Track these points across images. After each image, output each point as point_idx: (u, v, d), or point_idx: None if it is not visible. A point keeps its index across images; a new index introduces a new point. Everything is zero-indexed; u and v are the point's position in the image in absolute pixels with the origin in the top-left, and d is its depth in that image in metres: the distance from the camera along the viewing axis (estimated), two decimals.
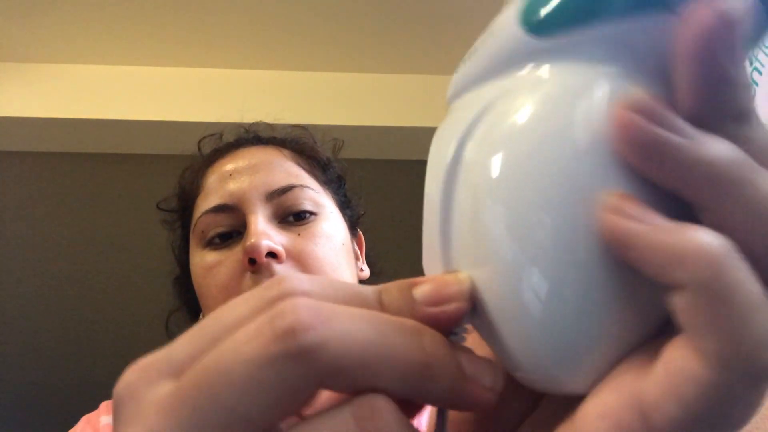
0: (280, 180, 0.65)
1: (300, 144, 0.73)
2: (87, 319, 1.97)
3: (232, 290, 0.60)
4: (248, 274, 0.60)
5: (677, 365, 0.15)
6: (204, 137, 0.78)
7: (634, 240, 0.16)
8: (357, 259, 0.73)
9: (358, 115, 1.49)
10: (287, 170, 0.67)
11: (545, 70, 0.18)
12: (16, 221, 1.73)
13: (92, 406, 0.71)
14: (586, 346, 0.17)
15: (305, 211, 0.64)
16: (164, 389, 0.16)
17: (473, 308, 0.18)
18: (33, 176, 1.63)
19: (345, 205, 0.73)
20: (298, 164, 0.69)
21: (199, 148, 0.77)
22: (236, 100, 1.43)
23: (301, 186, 0.65)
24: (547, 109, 0.17)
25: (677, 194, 0.16)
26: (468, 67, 0.20)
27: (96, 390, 2.16)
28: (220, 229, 0.64)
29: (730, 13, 0.15)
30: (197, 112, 1.45)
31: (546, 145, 0.17)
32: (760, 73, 0.69)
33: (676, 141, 0.16)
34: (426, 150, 0.22)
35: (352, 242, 0.71)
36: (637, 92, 0.16)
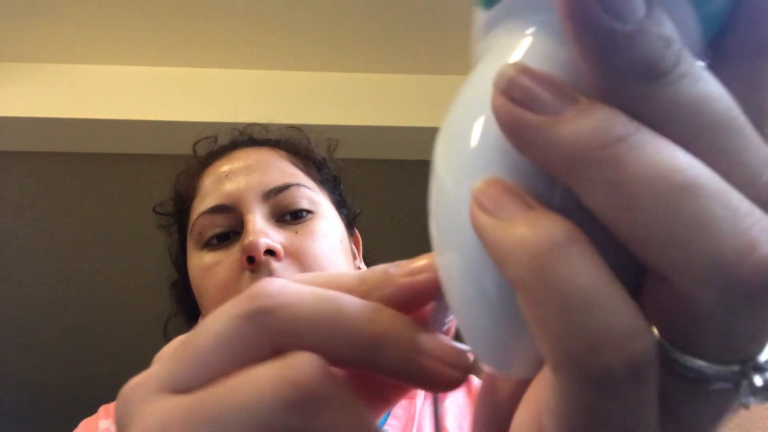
0: (276, 179, 0.65)
1: (295, 144, 0.74)
2: (87, 319, 1.97)
3: (231, 289, 0.60)
4: (247, 273, 0.59)
5: (545, 373, 0.15)
6: (198, 140, 0.79)
7: (483, 234, 0.15)
8: (354, 257, 0.73)
9: (356, 115, 1.49)
10: (283, 170, 0.67)
11: (487, 43, 0.18)
12: (16, 221, 1.73)
13: (91, 406, 0.71)
14: (505, 331, 0.16)
15: (302, 210, 0.64)
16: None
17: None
18: (33, 176, 1.63)
19: (341, 204, 0.73)
20: (294, 164, 0.69)
21: (194, 151, 0.77)
22: (236, 101, 1.43)
23: (298, 185, 0.65)
24: (466, 88, 0.17)
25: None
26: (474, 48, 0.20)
27: (95, 390, 2.15)
28: (217, 230, 0.64)
29: None
30: (197, 112, 1.45)
31: (455, 129, 0.17)
32: None
33: (532, 120, 0.14)
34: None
35: (349, 241, 0.71)
36: (511, 64, 0.15)
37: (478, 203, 0.15)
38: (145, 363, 0.20)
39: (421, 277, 0.19)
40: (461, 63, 1.50)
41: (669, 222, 0.13)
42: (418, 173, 1.61)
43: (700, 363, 0.14)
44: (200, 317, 0.70)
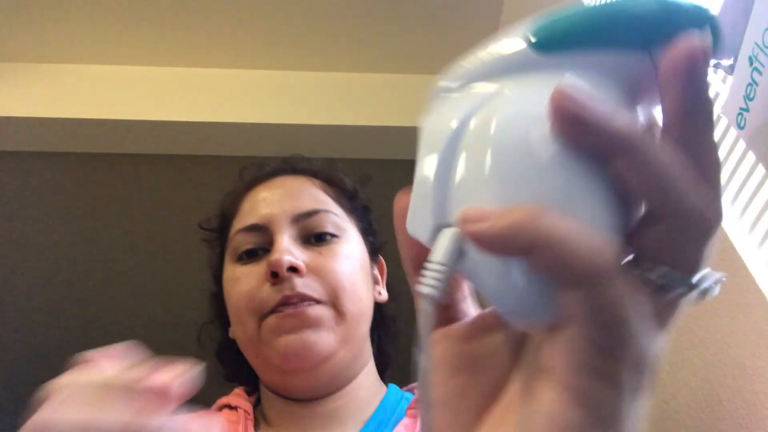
0: (306, 205, 0.73)
1: (330, 175, 0.82)
2: (87, 320, 1.97)
3: (253, 298, 0.68)
4: (267, 285, 0.67)
5: None
6: (245, 166, 0.88)
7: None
8: (376, 283, 0.81)
9: (357, 115, 1.49)
10: (315, 197, 0.75)
11: (543, 77, 0.24)
12: (16, 221, 1.74)
13: None
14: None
15: (327, 233, 0.72)
16: None
17: (460, 256, 0.23)
18: (33, 176, 1.63)
19: (367, 232, 0.81)
20: (326, 192, 0.77)
21: (241, 175, 0.86)
22: (236, 101, 1.44)
23: (326, 211, 0.73)
24: (529, 105, 0.24)
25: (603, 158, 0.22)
26: (475, 67, 0.26)
27: None
28: (249, 246, 0.72)
29: (706, 46, 0.22)
30: (197, 112, 1.45)
31: (523, 125, 0.23)
32: (760, 73, 0.69)
33: (600, 112, 0.21)
34: None
35: (371, 266, 0.79)
36: (571, 85, 0.22)
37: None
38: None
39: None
40: None
41: (675, 188, 0.21)
42: None
43: (676, 273, 0.22)
44: (230, 327, 0.77)
